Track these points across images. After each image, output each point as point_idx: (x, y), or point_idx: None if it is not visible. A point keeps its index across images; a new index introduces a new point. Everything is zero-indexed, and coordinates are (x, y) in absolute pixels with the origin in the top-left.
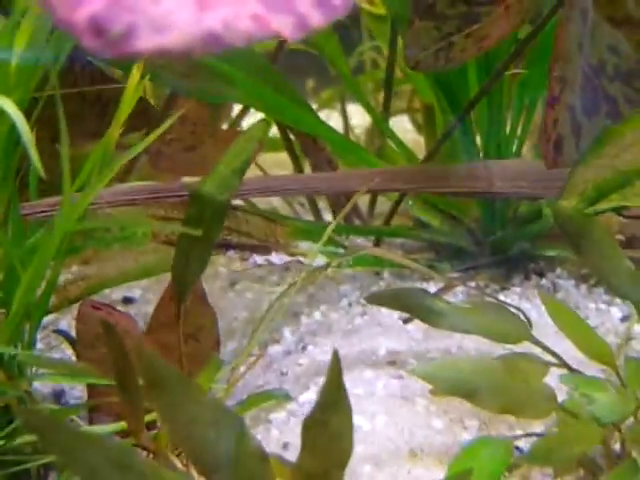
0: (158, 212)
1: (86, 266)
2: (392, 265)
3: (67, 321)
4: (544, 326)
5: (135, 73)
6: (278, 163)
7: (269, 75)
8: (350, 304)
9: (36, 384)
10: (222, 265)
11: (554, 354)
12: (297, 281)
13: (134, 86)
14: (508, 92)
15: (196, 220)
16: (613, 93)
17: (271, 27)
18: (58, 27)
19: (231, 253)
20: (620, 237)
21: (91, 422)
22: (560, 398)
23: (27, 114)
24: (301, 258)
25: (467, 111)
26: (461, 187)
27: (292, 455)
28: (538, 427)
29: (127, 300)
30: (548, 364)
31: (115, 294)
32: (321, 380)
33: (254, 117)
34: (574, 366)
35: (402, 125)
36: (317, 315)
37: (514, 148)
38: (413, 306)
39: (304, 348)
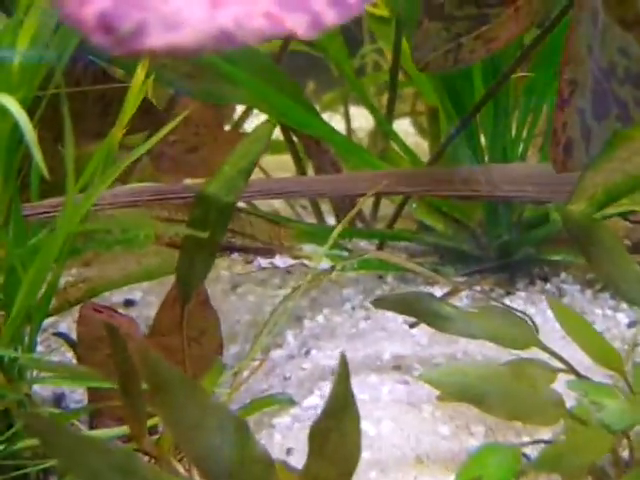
0: (162, 214)
1: (87, 268)
2: (396, 269)
3: (67, 324)
4: (550, 331)
5: (140, 72)
6: (280, 166)
7: (273, 76)
8: (354, 308)
9: (36, 387)
10: (224, 268)
11: (562, 360)
12: (302, 284)
13: (138, 86)
14: (514, 95)
15: (201, 222)
16: (623, 96)
17: (285, 25)
18: (66, 24)
19: (235, 256)
20: (627, 242)
21: (92, 426)
22: (568, 404)
23: (29, 113)
24: (305, 261)
25: (473, 114)
26: (466, 190)
27: (296, 461)
28: (545, 434)
29: (128, 303)
30: (556, 370)
31: (116, 297)
32: (325, 385)
33: (257, 119)
34: (581, 372)
35: (404, 128)
36: (320, 319)
37: (519, 152)
38: (420, 310)
39: (307, 352)
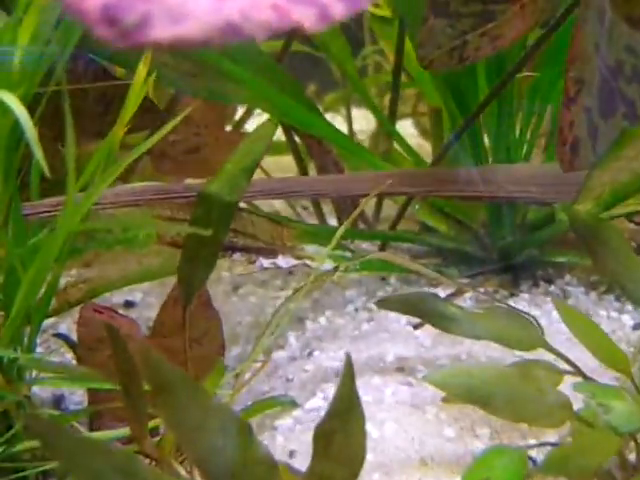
0: (164, 213)
1: (87, 269)
2: (399, 270)
3: (67, 325)
4: (554, 333)
5: (141, 69)
6: (282, 167)
7: (275, 75)
8: (356, 309)
9: (35, 389)
10: (225, 269)
11: (568, 361)
12: (304, 285)
13: (140, 84)
14: (518, 96)
15: (203, 221)
16: (631, 95)
17: (292, 18)
18: (69, 16)
19: (237, 256)
20: (632, 244)
21: (92, 428)
22: (575, 407)
23: (30, 111)
24: (307, 261)
25: (476, 114)
26: (469, 191)
27: (299, 463)
28: (551, 436)
29: (128, 304)
30: (562, 372)
31: (116, 298)
32: (328, 387)
33: (258, 119)
34: (587, 374)
35: (406, 130)
36: (323, 321)
37: (523, 152)
38: (424, 311)
39: (310, 354)
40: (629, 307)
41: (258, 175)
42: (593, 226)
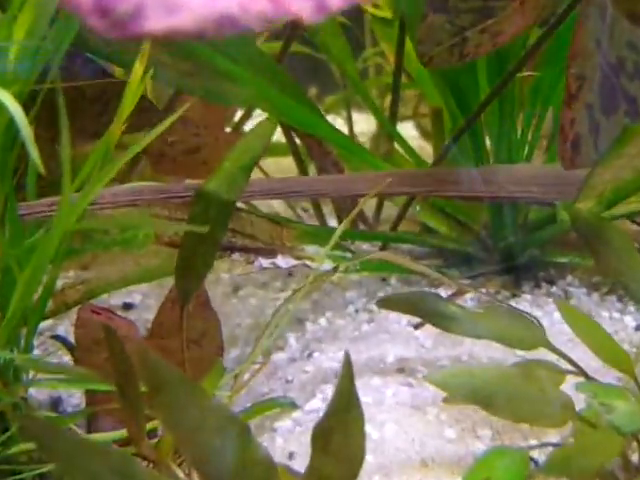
0: (162, 213)
1: (85, 271)
2: (400, 271)
3: (65, 327)
4: (556, 334)
5: (138, 67)
6: (282, 169)
7: (275, 75)
8: (357, 311)
9: (32, 391)
10: (225, 271)
11: (570, 361)
12: (304, 285)
13: (137, 82)
14: (520, 96)
15: (200, 219)
16: (633, 91)
17: (289, 9)
18: (64, 10)
19: (235, 256)
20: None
21: (89, 430)
22: (577, 407)
23: (26, 110)
24: (307, 262)
25: (478, 114)
26: (470, 191)
27: (298, 465)
28: (553, 437)
29: (127, 306)
30: (564, 372)
31: (115, 299)
32: (328, 388)
33: (257, 120)
34: (590, 375)
35: (407, 132)
36: (323, 322)
37: (525, 154)
38: (425, 310)
39: (310, 355)
40: (631, 308)
41: (257, 176)
42: (595, 225)
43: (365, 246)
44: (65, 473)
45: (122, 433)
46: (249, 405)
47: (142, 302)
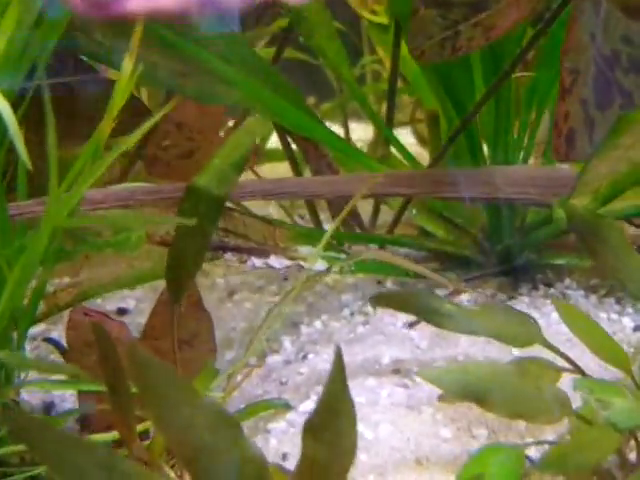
0: (153, 212)
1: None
2: (395, 273)
3: (58, 332)
4: (554, 335)
5: (127, 64)
6: (278, 174)
7: (269, 76)
8: (352, 313)
9: (25, 396)
10: (220, 276)
11: (567, 358)
12: (299, 284)
13: (126, 80)
14: (515, 97)
15: (190, 214)
16: (627, 86)
17: None
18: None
19: (228, 256)
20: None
21: (82, 432)
22: (574, 406)
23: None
24: (301, 262)
25: (474, 113)
26: (467, 192)
27: (291, 465)
28: (549, 435)
29: (121, 311)
30: (560, 369)
31: (109, 305)
32: (322, 389)
33: None
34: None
35: (403, 138)
36: (318, 324)
37: (521, 156)
38: (420, 308)
39: (304, 357)
40: (629, 310)
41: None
42: (591, 222)
43: (361, 249)
44: (52, 468)
45: (114, 435)
46: (243, 406)
47: (136, 307)
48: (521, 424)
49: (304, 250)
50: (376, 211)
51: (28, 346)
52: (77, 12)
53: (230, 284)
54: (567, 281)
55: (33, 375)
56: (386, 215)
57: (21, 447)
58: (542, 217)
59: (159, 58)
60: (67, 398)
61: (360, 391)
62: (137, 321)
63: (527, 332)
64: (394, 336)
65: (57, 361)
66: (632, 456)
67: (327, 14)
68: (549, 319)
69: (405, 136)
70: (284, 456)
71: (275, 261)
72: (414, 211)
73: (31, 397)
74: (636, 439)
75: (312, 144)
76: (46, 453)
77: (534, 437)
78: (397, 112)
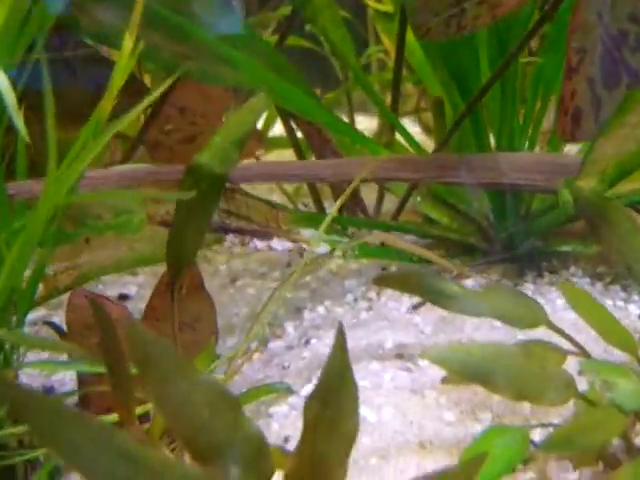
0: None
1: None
2: (400, 259)
3: (59, 318)
4: (559, 321)
5: (127, 42)
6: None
7: (272, 59)
8: (356, 299)
9: (25, 379)
10: (222, 263)
11: (572, 341)
12: (301, 266)
13: (126, 58)
14: (521, 83)
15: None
16: (635, 65)
17: None
18: None
19: (231, 237)
20: None
21: None
22: (579, 388)
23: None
24: (304, 245)
25: (480, 97)
26: (472, 177)
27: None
28: (554, 418)
29: (123, 297)
30: (566, 352)
31: (110, 290)
32: None
33: None
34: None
35: (408, 128)
36: (321, 310)
37: (526, 145)
38: (424, 288)
39: (307, 342)
40: (635, 297)
41: None
42: (598, 205)
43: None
44: (43, 442)
45: (114, 417)
46: (244, 390)
47: (137, 293)
48: (526, 408)
49: (307, 233)
50: (380, 199)
51: (28, 330)
52: None
53: (232, 270)
54: (572, 268)
55: (32, 358)
56: (390, 203)
57: (19, 429)
58: (547, 204)
59: (161, 39)
60: (67, 382)
61: (364, 375)
62: (138, 307)
63: (533, 314)
64: (398, 321)
65: None
66: (638, 440)
67: None
68: (554, 306)
69: (410, 126)
70: (286, 439)
71: (277, 244)
72: (418, 198)
73: (31, 381)
74: None
75: (316, 129)
76: (37, 425)
77: (539, 421)
78: (402, 102)
